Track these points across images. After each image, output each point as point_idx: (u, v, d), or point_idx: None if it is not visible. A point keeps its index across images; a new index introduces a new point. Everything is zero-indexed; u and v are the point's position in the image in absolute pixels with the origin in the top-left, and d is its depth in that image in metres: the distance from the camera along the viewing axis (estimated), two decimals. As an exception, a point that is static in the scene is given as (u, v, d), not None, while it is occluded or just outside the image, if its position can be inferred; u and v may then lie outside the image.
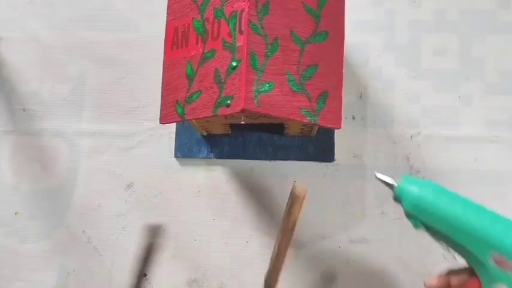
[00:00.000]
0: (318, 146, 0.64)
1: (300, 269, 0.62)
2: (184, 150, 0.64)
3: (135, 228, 0.63)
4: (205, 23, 0.50)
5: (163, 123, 0.53)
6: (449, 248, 0.43)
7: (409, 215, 0.43)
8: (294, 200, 0.40)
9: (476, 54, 0.65)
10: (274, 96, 0.47)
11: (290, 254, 0.43)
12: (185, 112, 0.50)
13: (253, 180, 0.64)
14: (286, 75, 0.48)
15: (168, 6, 0.54)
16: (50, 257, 0.63)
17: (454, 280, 0.42)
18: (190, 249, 0.63)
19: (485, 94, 0.64)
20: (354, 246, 0.62)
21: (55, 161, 0.65)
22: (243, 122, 0.53)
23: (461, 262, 0.42)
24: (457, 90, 0.65)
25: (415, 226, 0.43)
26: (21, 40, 0.68)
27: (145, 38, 0.67)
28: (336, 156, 0.64)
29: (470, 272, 0.42)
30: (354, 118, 0.64)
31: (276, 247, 0.43)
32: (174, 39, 0.52)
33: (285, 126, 0.60)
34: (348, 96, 0.64)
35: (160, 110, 0.53)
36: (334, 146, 0.64)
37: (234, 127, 0.61)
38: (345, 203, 0.63)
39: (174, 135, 0.65)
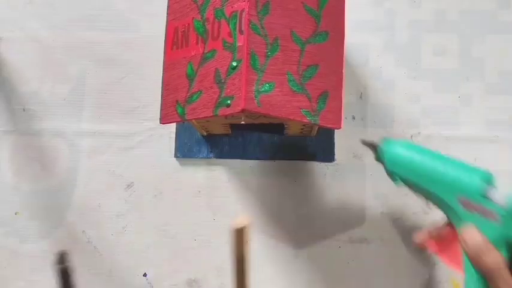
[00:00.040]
0: (318, 146, 0.64)
1: (300, 269, 0.62)
2: (184, 150, 0.64)
3: (135, 228, 0.63)
4: (206, 23, 0.50)
5: (163, 123, 0.53)
6: (427, 201, 0.49)
7: (389, 172, 0.50)
8: (234, 233, 0.40)
9: (476, 54, 0.65)
10: (274, 96, 0.47)
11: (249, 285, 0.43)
12: (185, 112, 0.50)
13: (253, 180, 0.64)
14: (286, 75, 0.48)
15: (168, 6, 0.54)
16: (50, 257, 0.63)
17: (434, 232, 0.50)
18: (190, 249, 0.63)
19: (485, 94, 0.64)
20: (354, 246, 0.62)
21: (55, 161, 0.65)
22: (243, 122, 0.53)
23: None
24: (457, 90, 0.65)
25: (395, 182, 0.50)
26: (21, 40, 0.68)
27: (145, 38, 0.67)
28: (336, 156, 0.64)
29: (446, 224, 0.49)
30: (354, 118, 0.64)
31: (234, 282, 0.43)
32: (174, 39, 0.52)
33: (285, 126, 0.60)
34: (348, 96, 0.64)
35: (161, 110, 0.53)
36: (334, 146, 0.64)
37: (234, 127, 0.61)
38: (345, 203, 0.63)
39: (174, 135, 0.65)
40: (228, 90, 0.46)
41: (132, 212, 0.64)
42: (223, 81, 0.47)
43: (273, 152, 0.64)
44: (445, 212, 0.48)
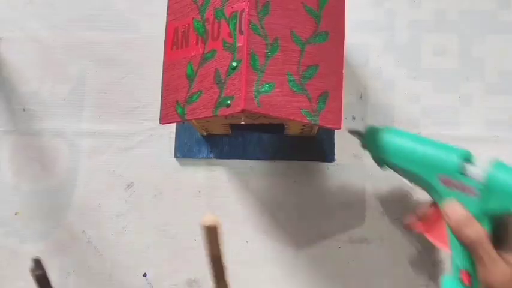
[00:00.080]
0: (318, 146, 0.64)
1: (300, 269, 0.62)
2: (184, 150, 0.64)
3: (135, 228, 0.63)
4: (206, 23, 0.50)
5: (163, 124, 0.53)
6: (412, 182, 0.53)
7: (374, 158, 0.53)
8: (206, 232, 0.40)
9: (476, 54, 0.65)
10: (274, 97, 0.47)
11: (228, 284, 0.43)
12: (185, 112, 0.50)
13: (253, 180, 0.64)
14: (286, 76, 0.48)
15: (168, 7, 0.54)
16: (50, 257, 0.63)
17: (420, 213, 0.53)
18: (190, 249, 0.63)
19: (485, 94, 0.64)
20: (354, 246, 0.62)
21: (55, 161, 0.65)
22: (243, 122, 0.53)
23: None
24: (457, 90, 0.65)
25: (381, 166, 0.54)
26: (21, 40, 0.68)
27: (145, 38, 0.67)
28: (336, 156, 0.64)
29: (431, 205, 0.52)
30: (354, 118, 0.64)
31: (213, 281, 0.43)
32: (174, 40, 0.52)
33: (285, 126, 0.60)
34: (348, 97, 0.64)
35: (161, 110, 0.53)
36: (334, 146, 0.64)
37: (234, 127, 0.61)
38: (345, 203, 0.63)
39: (174, 135, 0.65)
40: (228, 91, 0.46)
41: (132, 212, 0.64)
42: (223, 81, 0.47)
43: (273, 152, 0.64)
44: (428, 192, 0.51)
